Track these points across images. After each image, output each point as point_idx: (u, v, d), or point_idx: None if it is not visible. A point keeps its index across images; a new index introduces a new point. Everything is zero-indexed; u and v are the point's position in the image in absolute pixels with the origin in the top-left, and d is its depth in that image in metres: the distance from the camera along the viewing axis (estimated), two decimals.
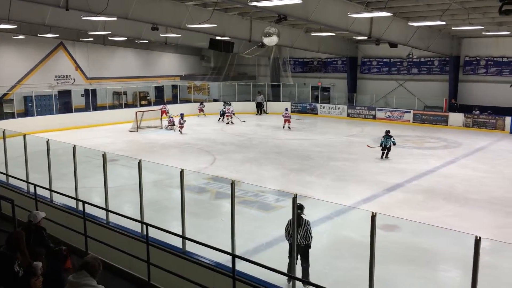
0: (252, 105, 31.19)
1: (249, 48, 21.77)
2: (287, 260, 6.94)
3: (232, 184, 6.17)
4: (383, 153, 17.12)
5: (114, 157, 14.77)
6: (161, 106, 27.34)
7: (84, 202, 8.01)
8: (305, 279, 7.23)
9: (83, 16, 16.28)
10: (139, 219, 7.48)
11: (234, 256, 5.91)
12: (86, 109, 28.65)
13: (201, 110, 29.94)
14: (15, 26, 21.64)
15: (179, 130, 23.04)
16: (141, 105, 29.69)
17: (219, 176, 14.02)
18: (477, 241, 4.28)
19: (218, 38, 21.99)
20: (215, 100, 33.31)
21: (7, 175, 10.74)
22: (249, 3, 12.67)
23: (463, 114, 25.09)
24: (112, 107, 29.44)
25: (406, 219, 9.12)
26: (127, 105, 30.55)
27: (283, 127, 24.61)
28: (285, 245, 7.32)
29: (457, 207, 11.71)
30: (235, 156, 17.81)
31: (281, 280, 6.24)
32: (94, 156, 10.42)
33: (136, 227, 7.55)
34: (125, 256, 7.17)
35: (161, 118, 25.58)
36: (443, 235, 8.54)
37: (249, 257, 6.59)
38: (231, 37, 22.41)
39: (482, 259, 4.34)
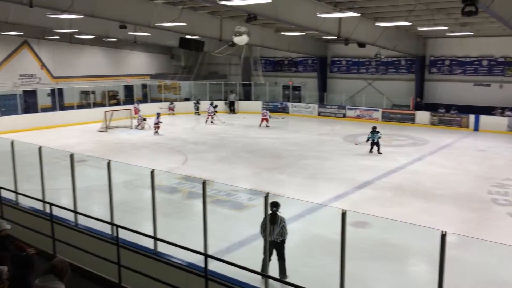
0: (223, 104, 31.11)
1: (219, 47, 21.69)
2: (261, 259, 6.96)
3: (204, 183, 6.15)
4: (371, 148, 17.90)
5: (82, 158, 14.47)
6: (133, 105, 26.90)
7: (51, 204, 7.81)
8: (282, 276, 7.30)
9: (48, 14, 15.87)
10: (109, 220, 7.35)
11: (206, 256, 5.89)
12: (52, 108, 27.94)
13: (171, 109, 29.69)
14: None
15: (156, 131, 22.64)
16: (110, 105, 29.11)
17: (191, 176, 13.93)
18: (443, 236, 4.41)
19: (188, 37, 21.83)
20: (186, 99, 33.07)
21: None
22: (219, 2, 12.64)
23: (430, 112, 25.79)
24: (80, 106, 28.77)
25: (376, 216, 9.28)
26: (95, 105, 29.93)
27: (260, 126, 24.88)
28: (258, 243, 7.35)
29: (424, 203, 12.02)
30: (207, 156, 17.74)
31: (255, 278, 6.25)
32: (61, 157, 10.16)
33: (106, 228, 7.42)
34: (95, 259, 7.03)
35: (134, 117, 25.15)
36: (411, 230, 8.73)
37: (222, 256, 6.59)
38: (201, 36, 22.29)
39: (449, 253, 4.46)
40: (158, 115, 23.08)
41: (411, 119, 26.18)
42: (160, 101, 31.30)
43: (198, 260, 6.12)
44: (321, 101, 30.30)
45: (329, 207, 10.99)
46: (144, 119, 24.21)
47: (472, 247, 8.80)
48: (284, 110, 30.62)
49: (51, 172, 11.00)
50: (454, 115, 25.06)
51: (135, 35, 24.49)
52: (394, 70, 29.00)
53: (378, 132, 17.87)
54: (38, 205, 8.69)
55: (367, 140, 18.04)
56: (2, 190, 8.91)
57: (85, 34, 25.50)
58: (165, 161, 16.83)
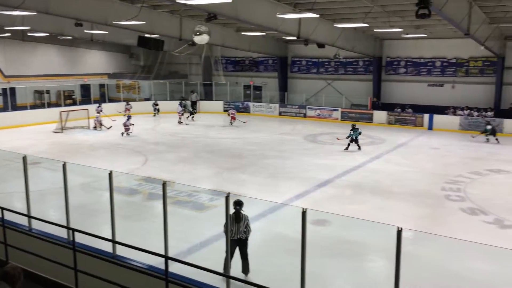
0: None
1: (180, 46, 21.47)
2: (222, 259, 6.94)
3: (164, 184, 6.06)
4: (348, 145, 18.63)
5: (36, 160, 13.93)
6: (97, 105, 26.06)
7: (3, 209, 7.47)
8: (246, 273, 7.32)
9: None
10: (65, 224, 7.12)
11: (167, 258, 5.81)
12: (4, 109, 26.76)
13: (128, 110, 29.03)
14: None
15: (127, 133, 21.91)
16: (66, 105, 28.18)
17: (151, 177, 13.71)
18: (399, 232, 4.53)
19: (147, 35, 21.47)
20: (146, 99, 32.49)
21: None
22: (178, 1, 12.50)
23: (386, 112, 26.54)
24: (34, 106, 27.74)
25: (335, 214, 9.45)
26: (50, 105, 28.95)
27: (231, 124, 25.61)
28: (219, 244, 7.32)
29: (382, 200, 12.34)
30: (167, 156, 17.50)
31: (217, 278, 6.22)
32: (13, 159, 9.79)
33: (62, 233, 7.18)
34: (50, 264, 6.79)
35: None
36: (369, 227, 8.95)
37: (184, 258, 6.51)
38: (160, 35, 22.00)
39: (405, 248, 4.59)
40: (129, 117, 22.46)
41: (369, 119, 26.84)
42: (119, 101, 30.59)
43: (159, 262, 6.03)
44: (282, 101, 30.57)
45: (290, 206, 11.09)
46: (101, 121, 23.49)
47: (427, 241, 9.12)
48: (246, 110, 30.67)
49: (2, 175, 10.57)
50: (410, 114, 25.91)
51: (92, 33, 23.85)
52: (352, 71, 29.67)
53: (358, 129, 18.84)
54: None
55: (348, 137, 18.79)
56: None
57: (38, 32, 24.60)
58: (125, 162, 16.49)
